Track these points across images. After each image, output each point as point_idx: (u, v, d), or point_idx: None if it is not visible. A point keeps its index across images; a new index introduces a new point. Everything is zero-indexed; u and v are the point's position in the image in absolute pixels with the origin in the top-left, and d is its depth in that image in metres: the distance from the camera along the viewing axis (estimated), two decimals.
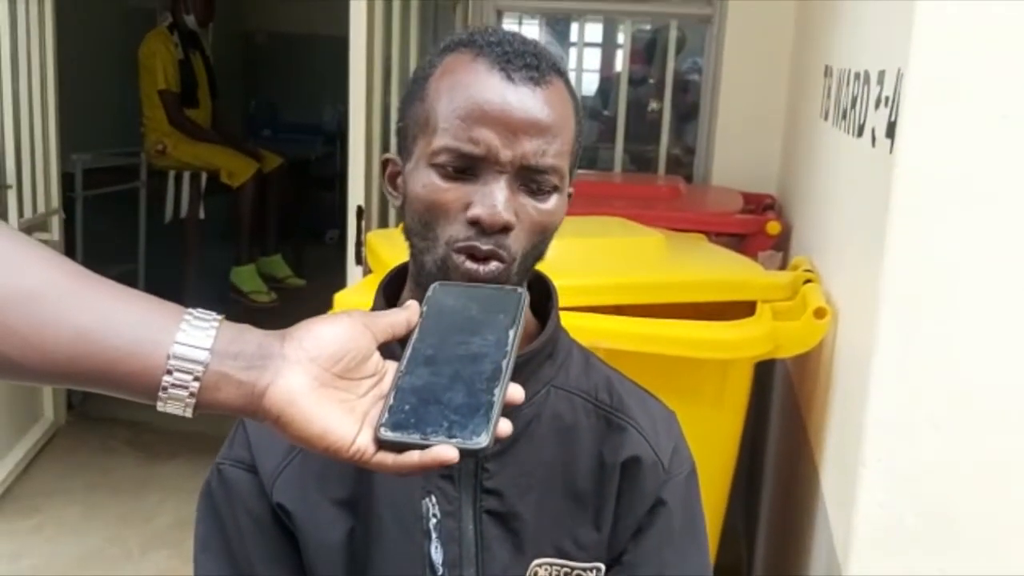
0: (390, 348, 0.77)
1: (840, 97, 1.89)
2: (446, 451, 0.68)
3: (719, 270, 1.97)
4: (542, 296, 1.02)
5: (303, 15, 6.48)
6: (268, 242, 5.49)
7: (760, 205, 2.81)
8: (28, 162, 3.33)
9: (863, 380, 1.32)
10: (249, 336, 0.71)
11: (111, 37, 5.05)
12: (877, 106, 1.41)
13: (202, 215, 5.00)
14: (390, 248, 1.83)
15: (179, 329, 0.68)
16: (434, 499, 0.95)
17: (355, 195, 2.43)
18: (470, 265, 0.89)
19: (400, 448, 0.70)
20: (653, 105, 4.14)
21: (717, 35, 3.31)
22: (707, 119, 3.41)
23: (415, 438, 0.69)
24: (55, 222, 3.56)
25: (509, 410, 0.73)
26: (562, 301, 1.05)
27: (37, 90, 3.36)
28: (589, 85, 5.40)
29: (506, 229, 0.89)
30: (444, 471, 0.94)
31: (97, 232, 4.42)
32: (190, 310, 0.70)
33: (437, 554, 0.95)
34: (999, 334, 1.24)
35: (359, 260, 2.40)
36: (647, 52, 4.63)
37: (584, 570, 1.00)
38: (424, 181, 0.90)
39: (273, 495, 0.97)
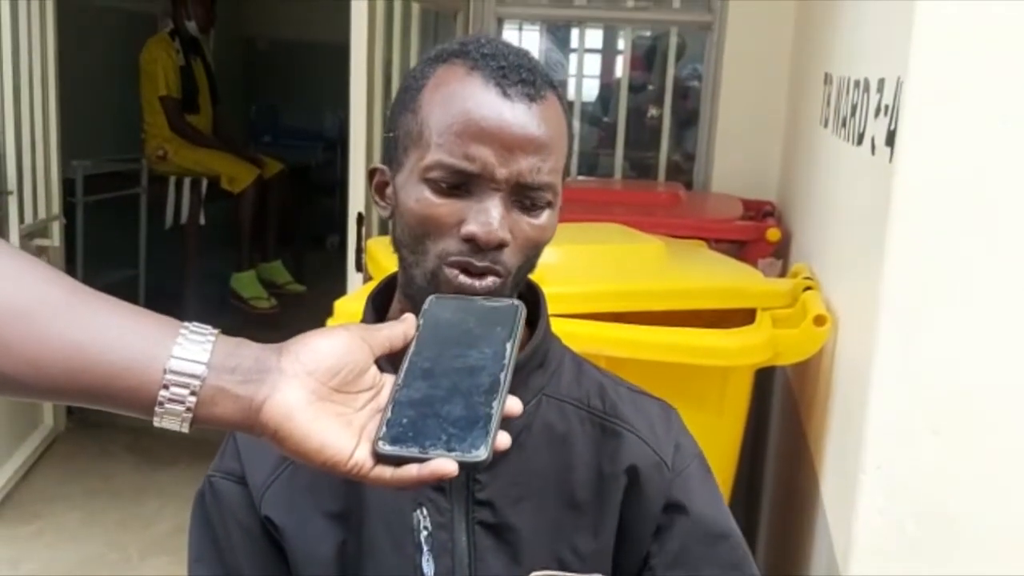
0: (387, 361, 0.77)
1: (840, 105, 1.89)
2: (445, 464, 0.68)
3: (719, 277, 1.97)
4: (531, 304, 1.01)
5: (304, 21, 6.49)
6: (268, 248, 5.49)
7: (760, 212, 2.81)
8: (29, 168, 3.33)
9: (863, 387, 1.32)
10: (246, 350, 0.70)
11: (112, 43, 5.06)
12: (877, 114, 1.41)
13: (203, 221, 5.00)
14: (390, 255, 1.82)
15: (176, 343, 0.68)
16: (425, 511, 0.95)
17: (356, 202, 2.43)
18: (464, 279, 0.88)
19: (398, 462, 0.69)
20: (653, 112, 4.14)
21: (717, 42, 3.32)
22: (707, 126, 3.41)
23: (414, 452, 0.69)
24: (56, 228, 3.56)
25: (502, 421, 0.72)
26: (562, 308, 1.04)
27: (38, 96, 3.36)
28: (589, 91, 5.40)
29: (501, 246, 0.88)
30: (435, 483, 0.93)
31: (98, 238, 4.42)
32: (186, 324, 0.70)
33: (429, 566, 0.94)
34: (998, 341, 1.24)
35: (359, 267, 2.39)
36: (647, 58, 4.63)
37: None
38: (417, 196, 0.89)
39: (262, 508, 0.97)
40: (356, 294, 2.02)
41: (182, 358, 0.67)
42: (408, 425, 0.71)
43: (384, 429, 0.71)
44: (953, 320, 1.24)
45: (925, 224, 1.23)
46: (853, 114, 1.67)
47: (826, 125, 2.10)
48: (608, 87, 5.32)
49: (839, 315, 1.66)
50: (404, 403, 0.73)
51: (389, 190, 0.95)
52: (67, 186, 3.85)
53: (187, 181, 4.96)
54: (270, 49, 6.88)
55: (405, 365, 0.76)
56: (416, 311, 0.83)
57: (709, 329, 1.69)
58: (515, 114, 0.87)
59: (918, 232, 1.23)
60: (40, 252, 3.36)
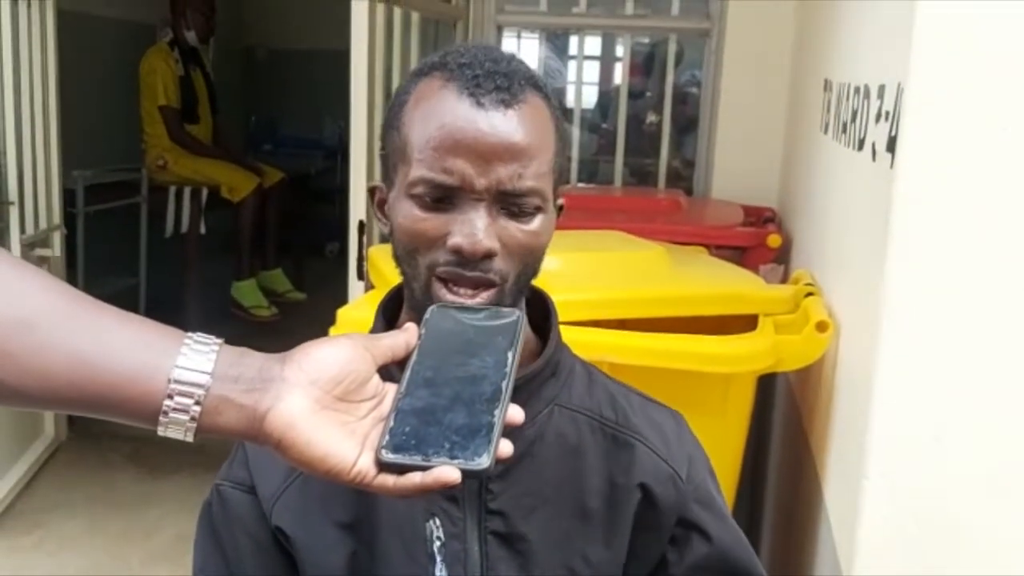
0: (389, 371, 0.77)
1: (840, 111, 1.89)
2: (448, 472, 0.68)
3: (720, 283, 1.97)
4: (541, 314, 1.01)
5: (303, 30, 6.51)
6: (268, 256, 5.49)
7: (760, 218, 2.81)
8: (30, 179, 3.33)
9: (865, 393, 1.32)
10: (249, 359, 0.70)
11: (112, 54, 5.07)
12: (877, 120, 1.42)
13: (203, 230, 5.00)
14: (392, 263, 1.82)
15: (180, 353, 0.68)
16: (438, 521, 0.95)
17: (356, 210, 2.42)
18: (452, 299, 0.88)
19: (401, 470, 0.69)
20: (652, 118, 4.15)
21: (716, 49, 3.32)
22: (707, 132, 3.42)
23: (416, 460, 0.69)
24: (57, 238, 3.56)
25: (511, 430, 0.72)
26: (564, 316, 1.04)
27: (39, 107, 3.37)
28: (589, 98, 5.40)
29: (489, 256, 0.88)
30: (448, 493, 0.93)
31: (98, 247, 4.43)
32: (190, 334, 0.70)
33: None
34: (1000, 346, 1.24)
35: (360, 275, 2.39)
36: (645, 65, 4.64)
37: None
38: (404, 212, 0.90)
39: (272, 518, 0.97)
40: (358, 302, 2.02)
41: (186, 368, 0.68)
42: (411, 433, 0.71)
43: (387, 437, 0.71)
44: (955, 326, 1.24)
45: (926, 230, 1.23)
46: (853, 120, 1.67)
47: (826, 131, 2.10)
48: (607, 94, 5.33)
49: (841, 321, 1.66)
50: (407, 412, 0.73)
51: (387, 207, 0.96)
52: (68, 196, 3.85)
53: (187, 190, 4.97)
54: (269, 58, 6.90)
55: (407, 374, 0.76)
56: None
57: (712, 336, 1.69)
58: (490, 123, 0.87)
59: (919, 238, 1.23)
60: (41, 262, 3.36)
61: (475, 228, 0.86)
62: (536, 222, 0.90)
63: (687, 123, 3.93)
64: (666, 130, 3.55)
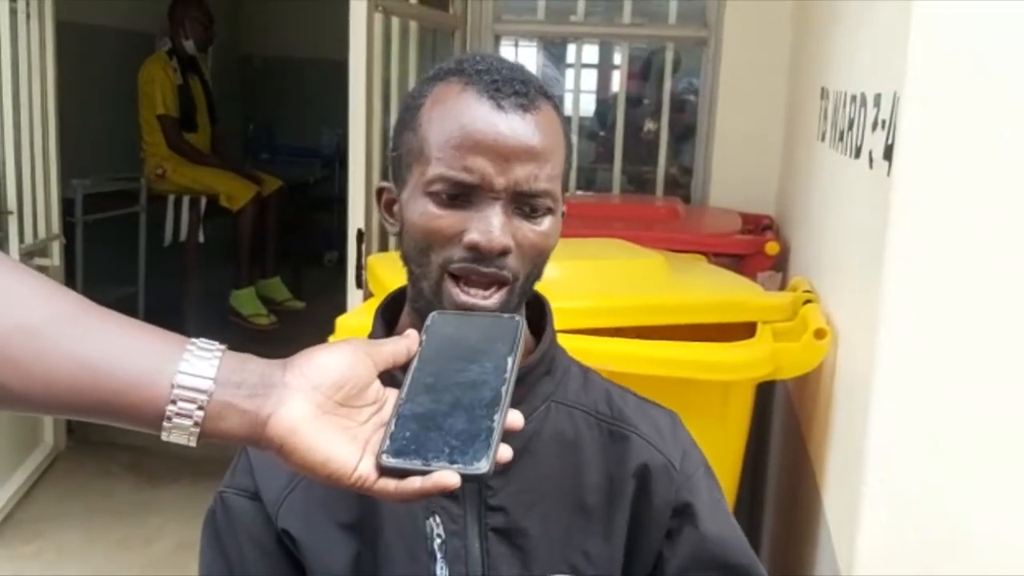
0: (390, 376, 0.78)
1: (837, 119, 1.90)
2: (447, 476, 0.69)
3: (719, 291, 1.98)
4: (537, 313, 1.03)
5: (300, 39, 6.52)
6: (267, 265, 5.50)
7: (758, 225, 2.82)
8: (29, 188, 3.34)
9: (863, 400, 1.32)
10: (252, 365, 0.71)
11: (111, 63, 5.07)
12: (874, 128, 1.42)
13: (202, 238, 5.00)
14: (391, 271, 1.83)
15: (183, 359, 0.69)
16: (438, 519, 0.96)
17: (355, 218, 2.43)
18: (466, 298, 0.91)
19: (402, 474, 0.70)
20: (649, 126, 4.15)
21: (713, 57, 3.33)
22: (704, 140, 3.43)
23: (416, 464, 0.70)
24: (55, 247, 3.56)
25: (504, 434, 0.73)
26: (563, 323, 1.06)
27: (38, 116, 3.37)
28: (586, 106, 5.41)
29: (504, 253, 0.90)
30: (440, 494, 0.94)
31: (97, 256, 4.42)
32: (193, 340, 0.71)
33: (443, 574, 0.95)
34: (998, 352, 1.24)
35: (359, 283, 2.40)
36: (643, 73, 4.65)
37: None
38: (420, 209, 0.92)
39: (278, 521, 0.98)
40: (357, 311, 2.03)
41: (190, 373, 0.68)
42: (411, 438, 0.72)
43: (387, 442, 0.72)
44: (952, 332, 1.25)
45: (924, 237, 1.23)
46: (850, 128, 1.68)
47: (823, 139, 2.11)
48: (605, 102, 5.34)
49: (839, 328, 1.67)
50: (407, 417, 0.73)
51: (396, 207, 0.98)
52: (67, 205, 3.85)
53: (186, 199, 4.97)
54: (267, 67, 6.92)
55: (408, 380, 0.77)
56: (423, 325, 0.85)
57: (710, 343, 1.69)
58: (510, 125, 0.90)
59: (917, 245, 1.24)
60: (40, 271, 3.35)
61: (492, 225, 0.89)
62: (547, 223, 0.94)
63: (685, 131, 3.94)
64: (664, 138, 3.56)
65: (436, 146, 0.91)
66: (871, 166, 1.42)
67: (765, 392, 2.30)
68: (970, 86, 1.19)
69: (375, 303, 1.10)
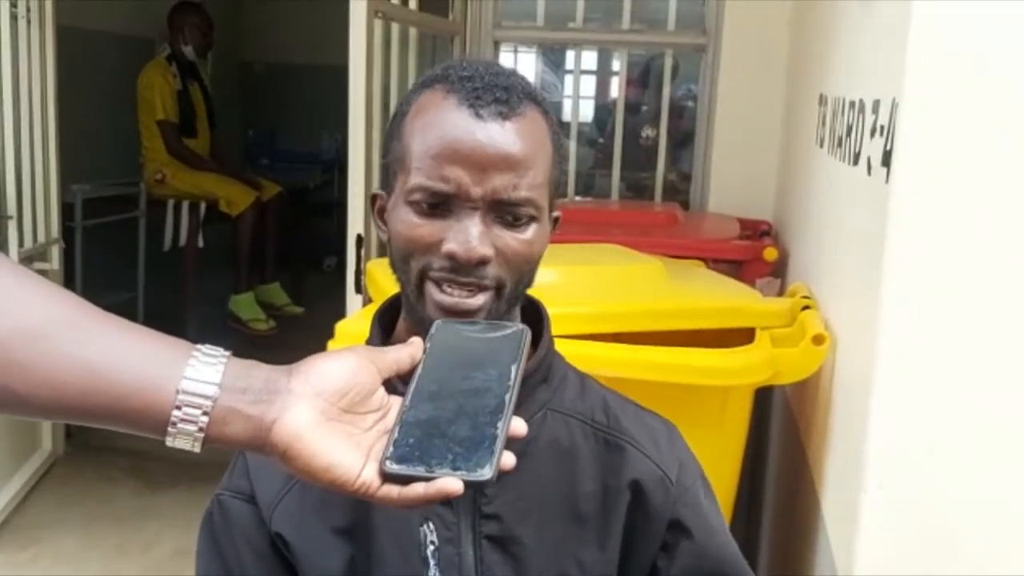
0: (394, 384, 0.78)
1: (835, 125, 1.90)
2: (451, 483, 0.69)
3: (717, 297, 1.98)
4: (534, 319, 1.03)
5: (300, 45, 6.53)
6: (266, 270, 5.50)
7: (757, 231, 2.82)
8: (28, 193, 3.34)
9: (862, 405, 1.32)
10: (256, 371, 0.71)
11: (110, 68, 5.08)
12: (872, 135, 1.43)
13: (201, 244, 5.00)
14: (390, 277, 1.83)
15: (188, 364, 0.69)
16: (432, 526, 0.96)
17: (355, 224, 2.43)
18: (447, 299, 0.91)
19: (405, 481, 0.70)
20: (648, 132, 4.16)
21: (712, 63, 3.34)
22: (703, 146, 3.43)
23: (420, 471, 0.70)
24: (55, 252, 3.56)
25: (507, 441, 0.73)
26: (561, 329, 1.06)
27: (38, 121, 3.38)
28: (585, 112, 5.42)
29: (483, 262, 0.91)
30: (442, 500, 0.94)
31: (97, 261, 4.43)
32: (198, 346, 0.71)
33: None
34: (997, 357, 1.25)
35: (359, 289, 2.40)
36: (641, 79, 4.65)
37: None
38: (402, 218, 0.93)
39: (272, 524, 0.98)
40: (357, 316, 2.03)
41: (194, 379, 0.69)
42: (415, 445, 0.72)
43: (391, 449, 0.72)
44: (951, 338, 1.25)
45: (922, 243, 1.24)
46: (848, 134, 1.68)
47: (821, 145, 2.12)
48: (603, 108, 5.35)
49: (838, 334, 1.67)
50: (411, 423, 0.74)
51: (387, 214, 0.99)
52: (66, 210, 3.86)
53: (185, 204, 4.97)
54: (267, 73, 6.92)
55: (412, 387, 0.77)
56: (419, 331, 0.85)
57: (709, 349, 1.70)
58: (488, 133, 0.90)
59: (915, 251, 1.24)
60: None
61: (469, 235, 0.90)
62: (530, 231, 0.93)
63: (683, 137, 3.95)
64: (662, 144, 3.56)
65: (416, 155, 0.92)
66: (869, 172, 1.42)
67: (764, 398, 2.30)
68: (969, 93, 1.20)
69: (374, 309, 1.10)
